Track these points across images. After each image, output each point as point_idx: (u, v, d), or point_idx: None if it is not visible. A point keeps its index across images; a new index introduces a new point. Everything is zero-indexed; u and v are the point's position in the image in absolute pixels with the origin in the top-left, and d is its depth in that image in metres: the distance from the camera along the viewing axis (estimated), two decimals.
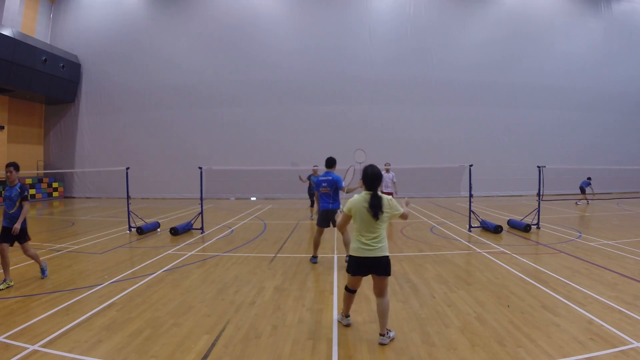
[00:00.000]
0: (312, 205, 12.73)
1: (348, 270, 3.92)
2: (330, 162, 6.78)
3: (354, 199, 3.76)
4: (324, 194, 6.57)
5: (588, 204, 15.69)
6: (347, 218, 3.87)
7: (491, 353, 3.46)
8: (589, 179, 15.94)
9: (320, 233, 6.75)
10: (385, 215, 3.71)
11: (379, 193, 3.76)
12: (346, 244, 6.29)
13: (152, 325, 4.17)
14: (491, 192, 19.83)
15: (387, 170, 12.82)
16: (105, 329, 4.05)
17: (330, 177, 6.58)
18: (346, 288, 4.05)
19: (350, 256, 3.89)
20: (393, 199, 3.83)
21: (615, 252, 7.29)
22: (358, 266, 3.76)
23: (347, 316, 4.17)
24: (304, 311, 4.54)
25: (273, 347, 3.67)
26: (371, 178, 3.75)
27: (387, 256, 3.76)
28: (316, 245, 6.82)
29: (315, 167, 12.18)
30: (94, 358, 3.46)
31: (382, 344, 3.67)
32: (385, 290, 3.78)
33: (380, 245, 3.72)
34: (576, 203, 15.86)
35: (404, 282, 5.64)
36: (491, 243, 8.28)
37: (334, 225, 6.50)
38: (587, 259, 6.75)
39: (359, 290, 5.22)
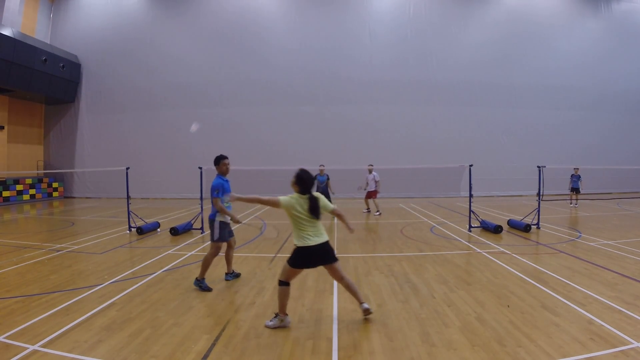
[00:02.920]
0: None
1: (290, 262, 4.04)
2: (214, 162, 5.73)
3: (289, 199, 4.00)
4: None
5: (576, 205, 14.87)
6: (276, 204, 4.03)
7: (491, 353, 3.46)
8: (577, 171, 14.97)
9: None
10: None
11: (314, 194, 4.09)
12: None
13: (152, 325, 4.17)
14: (491, 192, 19.83)
15: (370, 171, 12.94)
16: (105, 329, 4.05)
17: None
18: (281, 282, 4.10)
19: (298, 248, 4.00)
20: (323, 197, 4.16)
21: (615, 252, 7.29)
22: (306, 257, 4.00)
23: (287, 315, 4.14)
24: (304, 311, 4.53)
25: (273, 347, 3.68)
26: (307, 181, 4.05)
27: (328, 241, 4.08)
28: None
29: (322, 167, 12.38)
30: (94, 358, 3.46)
31: (367, 310, 4.13)
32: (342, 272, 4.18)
33: (321, 232, 4.06)
34: (574, 205, 14.94)
35: (404, 282, 5.64)
36: (491, 243, 8.28)
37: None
38: (587, 259, 6.75)
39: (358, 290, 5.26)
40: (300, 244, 3.97)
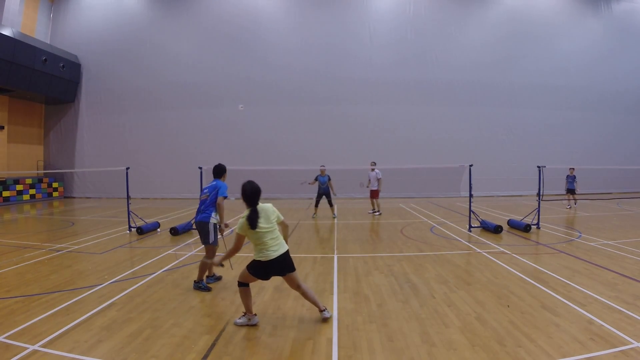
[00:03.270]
0: (316, 205, 12.65)
1: (250, 269, 4.07)
2: (219, 171, 5.69)
3: (241, 222, 3.97)
4: (202, 200, 5.54)
5: (574, 205, 14.54)
6: (241, 239, 4.02)
7: (491, 353, 3.46)
8: (572, 171, 14.39)
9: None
10: (264, 224, 3.97)
11: (258, 206, 4.02)
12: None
13: (152, 325, 4.17)
14: (491, 192, 19.83)
15: (372, 169, 12.93)
16: (105, 329, 4.05)
17: (214, 183, 5.58)
18: (240, 283, 4.17)
19: (255, 261, 4.04)
20: (273, 209, 4.10)
21: (615, 252, 7.29)
22: (261, 269, 4.03)
23: (255, 314, 4.22)
24: (304, 311, 4.53)
25: (273, 347, 3.68)
26: (250, 194, 4.03)
27: (287, 250, 4.10)
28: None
29: (323, 167, 12.32)
30: (94, 358, 3.46)
31: (325, 318, 4.17)
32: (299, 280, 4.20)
33: (281, 242, 4.08)
34: (571, 206, 14.55)
35: (404, 282, 5.64)
36: (491, 243, 8.28)
37: (201, 242, 5.60)
38: (587, 259, 6.75)
39: (357, 290, 5.27)
40: (257, 257, 4.00)
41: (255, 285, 5.52)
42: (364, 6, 20.58)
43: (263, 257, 3.97)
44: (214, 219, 5.45)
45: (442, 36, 20.50)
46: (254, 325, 4.14)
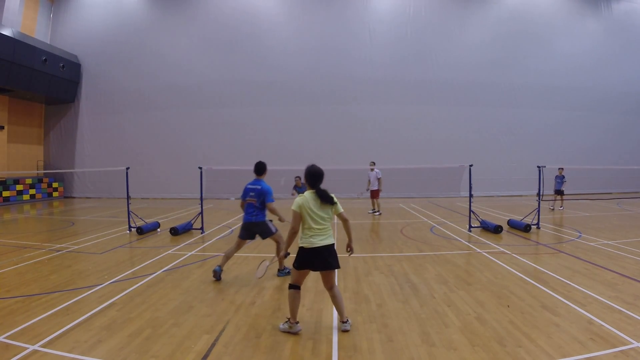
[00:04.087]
0: None
1: (294, 263, 3.99)
2: (260, 169, 5.96)
3: (299, 200, 3.91)
4: (250, 204, 5.80)
5: (559, 208, 14.03)
6: (296, 216, 3.93)
7: (491, 353, 3.46)
8: (561, 171, 13.89)
9: (238, 246, 6.00)
10: (330, 210, 3.95)
11: (321, 191, 3.94)
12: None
13: (152, 325, 4.17)
14: (491, 192, 19.83)
15: (372, 169, 12.88)
16: (105, 329, 4.05)
17: (259, 187, 5.78)
18: (290, 285, 4.02)
19: (300, 248, 3.97)
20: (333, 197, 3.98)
21: (615, 252, 7.29)
22: (306, 258, 3.91)
23: (297, 322, 4.00)
24: (304, 311, 4.53)
25: (273, 347, 3.68)
26: (308, 175, 3.96)
27: (334, 243, 3.98)
28: (227, 256, 5.95)
29: (298, 178, 11.10)
30: (94, 358, 3.46)
31: (345, 330, 3.96)
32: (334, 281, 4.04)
33: (328, 235, 3.95)
34: (553, 207, 14.04)
35: (404, 282, 5.64)
36: (491, 243, 8.28)
37: (262, 238, 6.00)
38: (587, 259, 6.75)
39: (358, 290, 5.27)
40: (302, 244, 3.92)
41: (256, 286, 5.53)
42: (363, 6, 20.58)
43: (307, 244, 3.86)
44: (268, 216, 5.94)
45: (442, 36, 20.50)
46: (296, 333, 3.92)
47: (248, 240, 6.09)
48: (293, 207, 3.90)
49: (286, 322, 4.01)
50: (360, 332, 3.97)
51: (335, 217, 4.05)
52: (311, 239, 3.86)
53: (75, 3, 21.85)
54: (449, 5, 20.73)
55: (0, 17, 18.28)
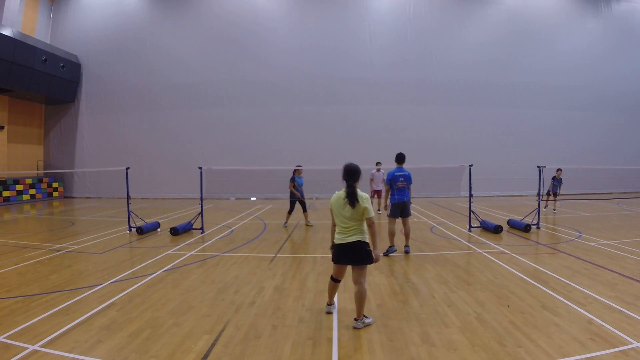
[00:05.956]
0: (290, 212, 10.99)
1: (332, 258, 4.23)
2: (402, 158, 7.31)
3: (332, 199, 4.16)
4: (402, 187, 7.19)
5: (553, 210, 13.58)
6: (331, 212, 4.21)
7: (491, 353, 3.46)
8: (559, 173, 13.38)
9: (394, 223, 7.35)
10: (357, 208, 3.98)
11: (354, 190, 4.03)
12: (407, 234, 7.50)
13: (152, 325, 4.17)
14: (491, 192, 19.83)
15: (378, 169, 12.87)
16: (105, 329, 4.05)
17: (406, 173, 7.22)
18: (332, 277, 4.37)
19: (333, 243, 4.22)
20: (364, 201, 3.99)
21: (615, 252, 7.29)
22: (335, 253, 4.14)
23: (332, 304, 4.52)
24: (304, 311, 4.53)
25: (273, 347, 3.68)
26: (344, 171, 4.11)
27: (360, 241, 4.02)
28: (392, 234, 7.37)
29: (299, 168, 10.94)
30: (94, 358, 3.46)
31: (356, 327, 4.04)
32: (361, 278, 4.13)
33: (353, 233, 4.03)
34: (546, 207, 13.80)
35: (404, 282, 5.64)
36: (491, 243, 8.28)
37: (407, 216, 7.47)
38: (587, 259, 6.75)
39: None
40: (334, 239, 4.16)
41: (256, 286, 5.53)
42: (363, 6, 20.58)
43: (336, 240, 4.12)
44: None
45: (442, 36, 20.49)
46: (329, 313, 4.42)
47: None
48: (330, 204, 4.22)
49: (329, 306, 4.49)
50: (360, 332, 3.98)
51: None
52: (337, 235, 4.11)
53: (75, 3, 21.85)
54: (449, 6, 20.72)
55: (0, 17, 18.28)
